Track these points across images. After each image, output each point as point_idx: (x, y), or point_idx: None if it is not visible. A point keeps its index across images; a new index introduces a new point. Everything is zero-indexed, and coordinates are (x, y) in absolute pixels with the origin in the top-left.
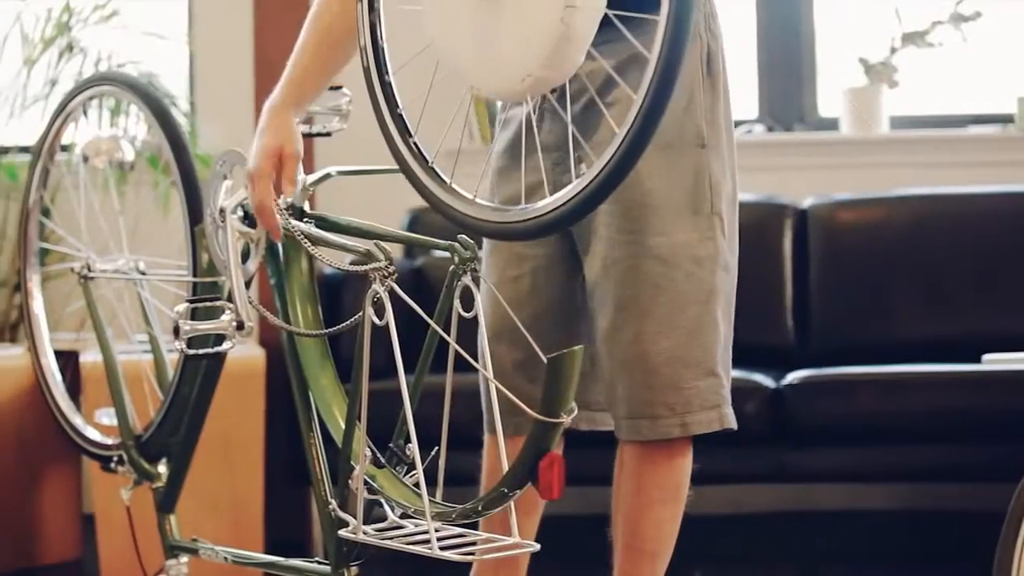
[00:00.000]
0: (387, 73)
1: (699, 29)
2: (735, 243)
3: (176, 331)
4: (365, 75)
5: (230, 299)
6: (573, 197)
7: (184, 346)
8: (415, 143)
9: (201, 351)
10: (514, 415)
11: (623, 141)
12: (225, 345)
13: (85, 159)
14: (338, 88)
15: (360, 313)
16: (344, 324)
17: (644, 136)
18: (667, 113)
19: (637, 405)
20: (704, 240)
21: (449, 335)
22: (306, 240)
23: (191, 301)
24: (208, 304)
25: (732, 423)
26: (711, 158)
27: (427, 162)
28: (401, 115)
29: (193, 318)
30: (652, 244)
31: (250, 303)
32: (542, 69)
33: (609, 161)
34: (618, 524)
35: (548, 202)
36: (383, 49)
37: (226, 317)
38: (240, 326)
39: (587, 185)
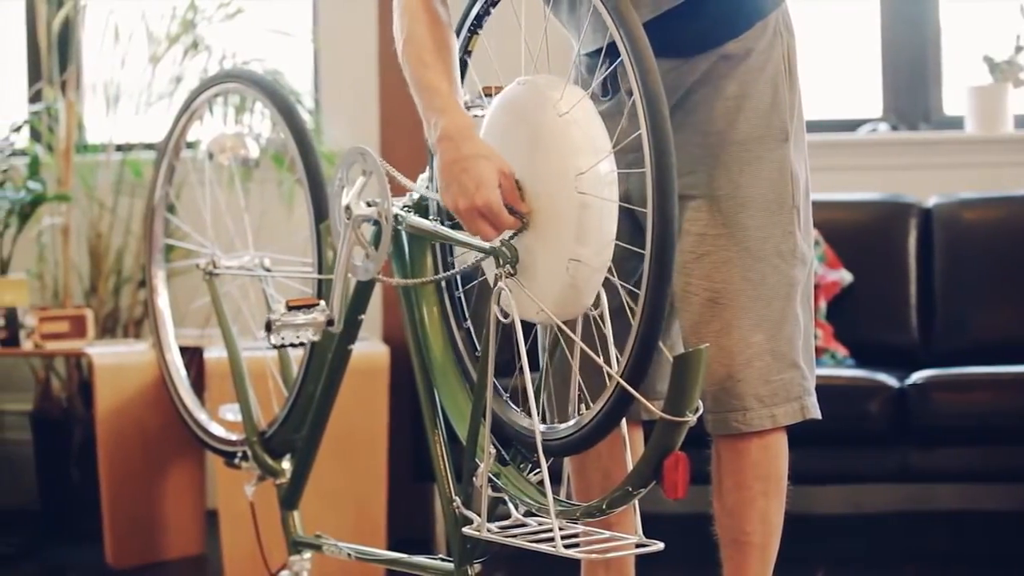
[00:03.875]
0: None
1: (779, 28)
2: (810, 234)
3: (268, 326)
4: None
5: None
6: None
7: (271, 341)
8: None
9: (287, 343)
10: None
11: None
12: (307, 336)
13: (210, 156)
14: (494, 94)
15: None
16: (453, 271)
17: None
18: (754, 110)
19: (726, 398)
20: (786, 234)
21: (574, 332)
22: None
23: (289, 307)
24: (306, 309)
25: (815, 413)
26: (792, 152)
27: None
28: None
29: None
30: (743, 238)
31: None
32: (554, 306)
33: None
34: (721, 520)
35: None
36: None
37: (317, 314)
38: (330, 323)
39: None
